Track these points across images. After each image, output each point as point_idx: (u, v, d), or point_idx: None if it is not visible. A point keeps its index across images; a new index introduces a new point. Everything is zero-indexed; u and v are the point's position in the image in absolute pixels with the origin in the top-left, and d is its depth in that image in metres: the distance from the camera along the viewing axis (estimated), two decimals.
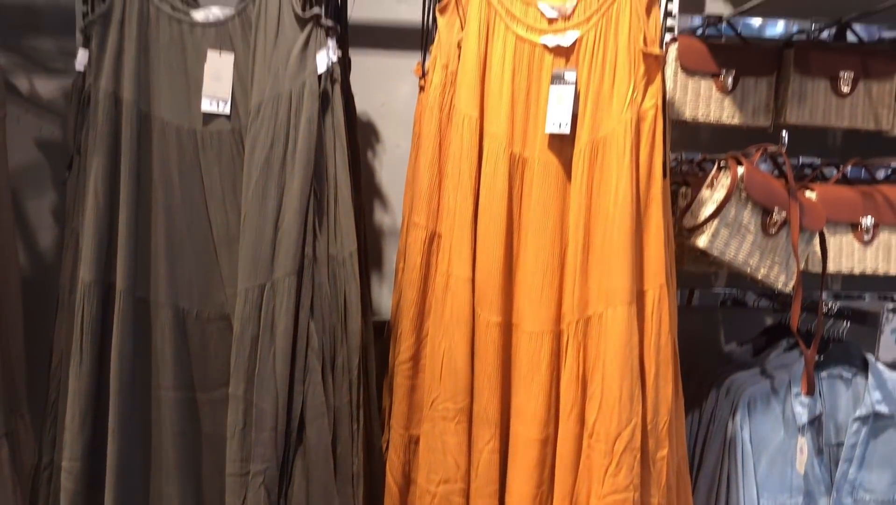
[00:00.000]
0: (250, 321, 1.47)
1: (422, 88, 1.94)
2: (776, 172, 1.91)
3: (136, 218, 1.48)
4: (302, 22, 1.50)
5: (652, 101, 1.51)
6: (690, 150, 2.16)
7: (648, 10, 1.51)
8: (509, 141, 1.58)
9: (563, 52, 1.56)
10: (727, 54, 2.00)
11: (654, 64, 1.51)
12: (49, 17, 2.22)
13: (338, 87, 1.56)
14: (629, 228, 1.49)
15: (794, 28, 2.19)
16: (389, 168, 2.38)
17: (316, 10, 1.51)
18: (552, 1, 1.58)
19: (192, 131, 1.51)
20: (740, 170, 1.70)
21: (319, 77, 1.52)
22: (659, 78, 1.52)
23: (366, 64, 2.27)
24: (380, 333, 1.89)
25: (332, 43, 1.55)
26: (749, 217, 1.71)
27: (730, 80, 1.99)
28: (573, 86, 1.54)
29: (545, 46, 1.57)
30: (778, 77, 2.03)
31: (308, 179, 1.48)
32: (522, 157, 1.60)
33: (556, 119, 1.55)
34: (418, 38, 1.97)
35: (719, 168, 1.76)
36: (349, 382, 1.54)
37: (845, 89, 1.98)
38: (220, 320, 1.54)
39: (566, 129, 1.54)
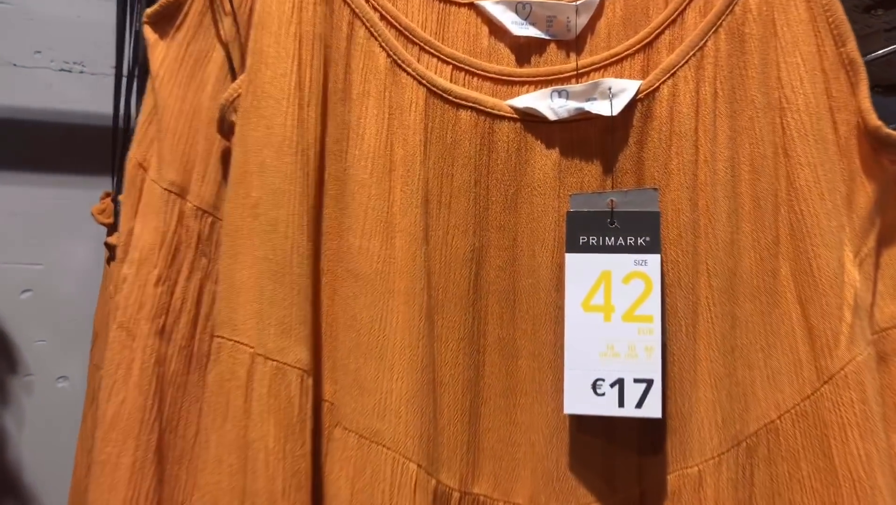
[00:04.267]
0: None
1: (111, 253, 0.77)
2: None
3: None
4: None
5: None
6: None
7: (832, 24, 0.48)
8: (425, 453, 0.44)
9: (597, 140, 0.48)
10: None
11: None
12: None
13: None
14: None
15: None
16: (46, 415, 1.07)
17: None
18: None
19: None
20: None
21: None
22: None
23: None
24: None
25: None
26: None
27: None
28: (656, 256, 0.44)
29: (526, 122, 0.47)
30: None
31: None
32: (472, 499, 0.46)
33: (603, 366, 0.44)
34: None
35: None
36: None
37: None
38: None
39: (652, 408, 0.43)
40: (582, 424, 0.46)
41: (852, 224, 0.45)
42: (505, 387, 0.47)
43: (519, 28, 0.50)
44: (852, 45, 0.46)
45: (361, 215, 0.46)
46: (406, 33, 0.49)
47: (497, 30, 0.50)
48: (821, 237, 0.43)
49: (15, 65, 1.10)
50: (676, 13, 0.49)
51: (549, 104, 0.47)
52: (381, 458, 0.43)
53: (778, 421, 0.42)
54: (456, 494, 0.45)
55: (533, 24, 0.50)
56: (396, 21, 0.49)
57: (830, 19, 0.46)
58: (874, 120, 0.45)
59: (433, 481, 0.44)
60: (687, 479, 0.44)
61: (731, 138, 0.46)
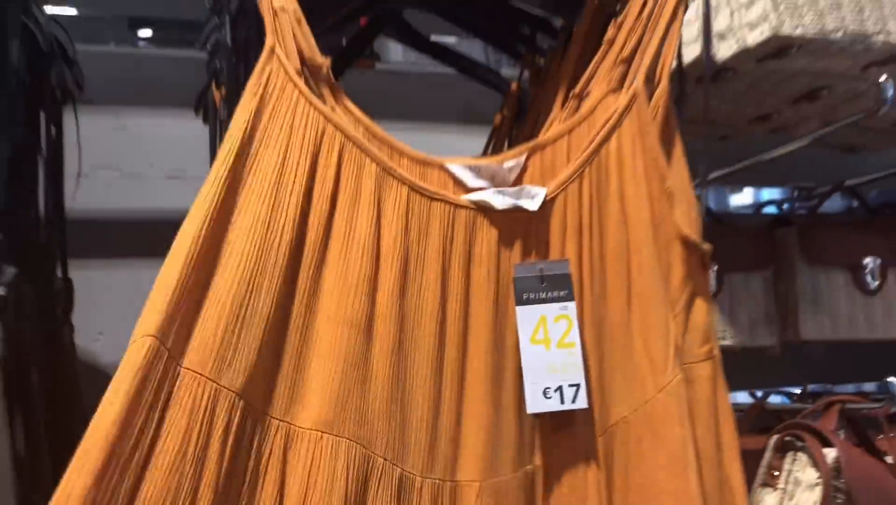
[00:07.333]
0: None
1: None
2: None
3: None
4: None
5: (707, 345, 0.71)
6: None
7: (669, 146, 0.74)
8: (390, 445, 0.60)
9: (521, 227, 0.68)
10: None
11: (699, 265, 0.73)
12: None
13: None
14: None
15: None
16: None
17: None
18: (473, 160, 0.72)
19: None
20: (829, 455, 0.95)
21: None
22: (708, 293, 0.74)
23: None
24: None
25: None
26: None
27: (712, 277, 1.11)
28: (572, 302, 0.65)
29: (480, 206, 0.67)
30: (777, 272, 1.36)
31: None
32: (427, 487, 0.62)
33: (549, 379, 0.62)
34: None
35: (780, 449, 1.00)
36: None
37: (872, 284, 1.35)
38: None
39: (581, 402, 0.62)
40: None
41: (668, 293, 0.69)
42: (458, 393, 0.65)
43: (471, 179, 0.70)
44: (669, 183, 0.71)
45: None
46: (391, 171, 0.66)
47: (453, 178, 0.69)
48: (653, 301, 0.67)
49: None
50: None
51: (497, 199, 0.67)
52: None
53: (629, 416, 0.65)
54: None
55: (479, 174, 0.70)
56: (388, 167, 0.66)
57: (659, 165, 0.71)
58: (683, 229, 0.71)
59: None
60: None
61: (600, 234, 0.69)
